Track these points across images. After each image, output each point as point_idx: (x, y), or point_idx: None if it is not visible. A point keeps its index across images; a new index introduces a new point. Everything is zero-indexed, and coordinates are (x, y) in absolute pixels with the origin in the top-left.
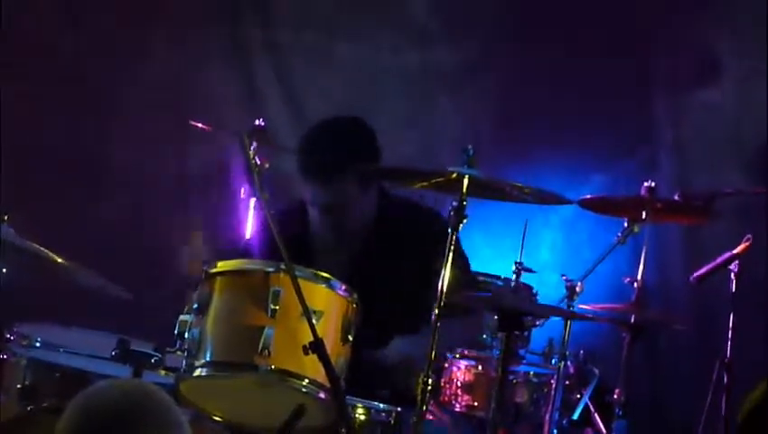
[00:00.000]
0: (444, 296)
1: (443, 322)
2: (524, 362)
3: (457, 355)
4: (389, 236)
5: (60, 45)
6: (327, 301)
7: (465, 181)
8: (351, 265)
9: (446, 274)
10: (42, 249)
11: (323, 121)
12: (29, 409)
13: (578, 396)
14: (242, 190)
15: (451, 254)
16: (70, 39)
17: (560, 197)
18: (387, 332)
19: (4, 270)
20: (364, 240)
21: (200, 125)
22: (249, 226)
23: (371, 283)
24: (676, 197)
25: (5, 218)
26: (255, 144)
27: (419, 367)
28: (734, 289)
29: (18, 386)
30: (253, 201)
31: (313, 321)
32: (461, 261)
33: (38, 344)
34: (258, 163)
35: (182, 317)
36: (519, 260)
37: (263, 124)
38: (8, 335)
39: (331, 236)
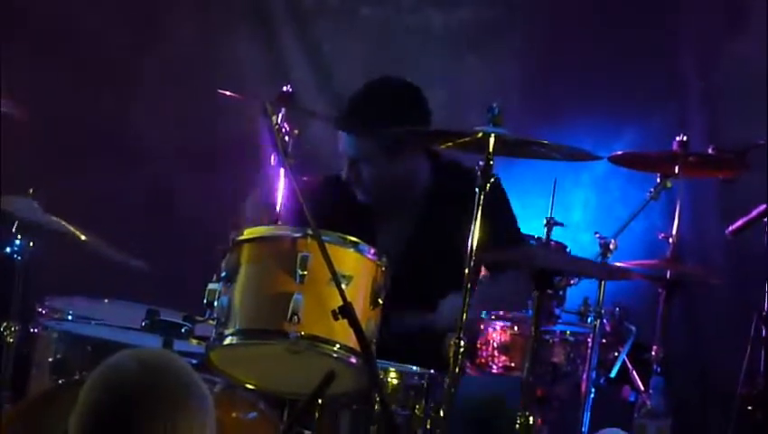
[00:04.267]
0: (474, 254)
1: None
2: (560, 321)
3: (493, 316)
4: (443, 202)
5: (80, 18)
6: (356, 265)
7: (491, 140)
8: (409, 230)
9: (476, 232)
10: (66, 224)
11: (374, 82)
12: (60, 382)
13: (615, 354)
14: (272, 158)
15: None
16: (90, 12)
17: (588, 153)
18: (443, 295)
19: (32, 244)
20: (419, 205)
21: (227, 93)
22: (280, 194)
23: (429, 247)
24: (709, 150)
25: (31, 193)
26: (283, 110)
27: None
28: None
29: (50, 360)
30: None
31: (342, 285)
32: (509, 222)
33: (69, 318)
34: (287, 129)
35: (210, 286)
36: (548, 216)
37: (290, 90)
38: (40, 309)
39: (377, 206)
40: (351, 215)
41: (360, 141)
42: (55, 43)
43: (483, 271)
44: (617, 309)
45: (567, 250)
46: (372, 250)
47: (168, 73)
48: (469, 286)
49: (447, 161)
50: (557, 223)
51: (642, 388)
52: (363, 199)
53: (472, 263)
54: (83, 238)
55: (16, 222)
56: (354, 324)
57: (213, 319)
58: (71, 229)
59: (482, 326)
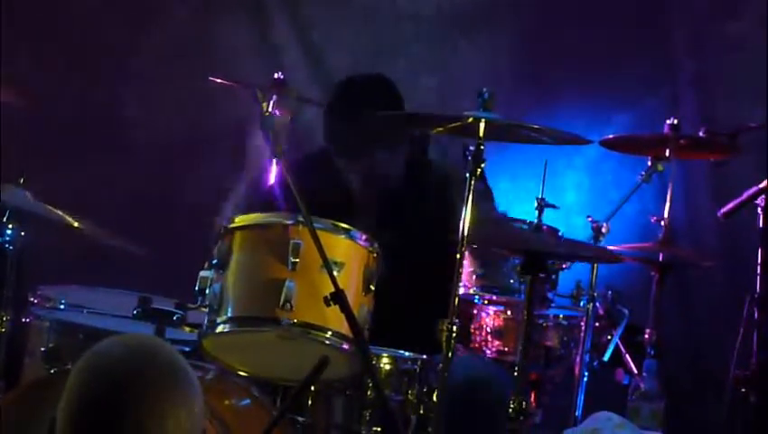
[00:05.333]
0: (465, 240)
1: None
2: (553, 305)
3: (486, 301)
4: (418, 190)
5: (74, 5)
6: (348, 252)
7: (482, 125)
8: (384, 216)
9: (467, 216)
10: (58, 211)
11: (342, 92)
12: (53, 371)
13: (608, 337)
14: (265, 144)
15: (476, 191)
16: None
17: (579, 137)
18: (429, 285)
19: (23, 234)
20: (394, 194)
21: (218, 80)
22: (272, 180)
23: (404, 234)
24: (701, 133)
25: (21, 182)
26: (275, 97)
27: None
28: (761, 224)
29: (42, 348)
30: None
31: (334, 272)
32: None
33: (62, 306)
34: (279, 115)
35: (202, 273)
36: (539, 197)
37: (282, 77)
38: (32, 298)
39: (361, 191)
40: (335, 195)
41: (343, 127)
42: (48, 31)
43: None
44: (610, 292)
45: (560, 233)
46: (364, 237)
47: (159, 60)
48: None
49: (418, 151)
50: (548, 205)
51: (636, 371)
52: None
53: (462, 247)
54: (76, 225)
55: (8, 211)
56: (346, 310)
57: (206, 306)
58: (63, 216)
59: (475, 311)
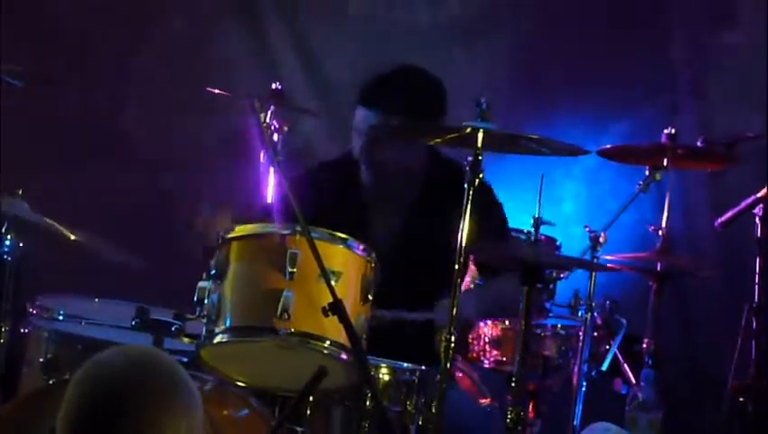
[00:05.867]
0: (463, 252)
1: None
2: (551, 315)
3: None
4: (437, 196)
5: (70, 15)
6: (345, 261)
7: (480, 135)
8: (402, 221)
9: (465, 228)
10: (55, 223)
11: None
12: (51, 381)
13: (606, 347)
14: (261, 155)
15: (471, 213)
16: (80, 9)
17: (577, 148)
18: (433, 293)
19: (21, 245)
20: (414, 198)
21: (216, 91)
22: (270, 191)
23: (422, 240)
24: (698, 143)
25: (20, 193)
26: (272, 107)
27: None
28: (759, 233)
29: (41, 359)
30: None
31: (332, 282)
32: (500, 222)
33: (60, 317)
34: (275, 126)
35: (200, 284)
36: (536, 215)
37: (279, 87)
38: (30, 309)
39: (379, 192)
40: (347, 201)
41: (380, 119)
42: (44, 41)
43: (473, 272)
44: (608, 302)
45: (558, 243)
46: (361, 246)
47: (156, 71)
48: (459, 281)
49: (443, 155)
50: (544, 223)
51: (634, 380)
52: (367, 181)
53: (461, 259)
54: (73, 237)
55: (6, 222)
56: (344, 320)
57: (204, 317)
58: (61, 228)
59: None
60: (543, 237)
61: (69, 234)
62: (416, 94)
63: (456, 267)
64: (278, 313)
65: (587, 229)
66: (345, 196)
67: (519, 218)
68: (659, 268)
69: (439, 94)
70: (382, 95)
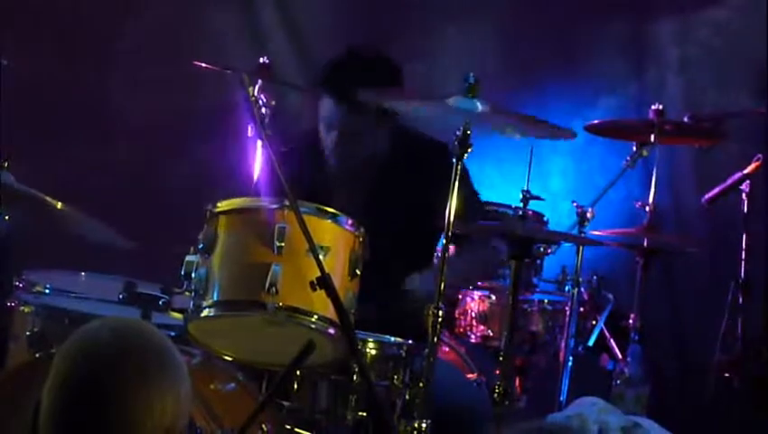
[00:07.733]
0: (451, 226)
1: (457, 254)
2: (538, 290)
3: (471, 286)
4: (401, 169)
5: None
6: (333, 236)
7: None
8: (366, 197)
9: (452, 204)
10: (42, 195)
11: (354, 48)
12: (37, 355)
13: (593, 322)
14: (249, 129)
15: (457, 185)
16: None
17: (562, 129)
18: (401, 268)
19: (7, 218)
20: (378, 172)
21: (203, 65)
22: (257, 165)
23: (386, 215)
24: (685, 119)
25: (6, 165)
26: (260, 81)
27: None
28: (745, 209)
29: (27, 333)
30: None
31: (320, 256)
32: (469, 194)
33: (47, 291)
34: (263, 100)
35: (188, 258)
36: (525, 188)
37: (267, 61)
38: (17, 283)
39: (344, 166)
40: (312, 176)
41: (351, 114)
42: (32, 15)
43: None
44: (595, 278)
45: (545, 219)
46: (350, 221)
47: (145, 45)
48: (445, 256)
49: (403, 127)
50: (533, 197)
51: (620, 356)
52: (334, 166)
53: (449, 234)
54: (59, 206)
55: None
56: (332, 294)
57: (191, 291)
58: (48, 199)
59: (460, 296)
60: (530, 211)
61: (56, 203)
62: (368, 74)
63: (444, 241)
64: (266, 287)
65: (575, 204)
66: (310, 169)
67: (507, 192)
68: (645, 243)
69: (391, 67)
70: (337, 81)
